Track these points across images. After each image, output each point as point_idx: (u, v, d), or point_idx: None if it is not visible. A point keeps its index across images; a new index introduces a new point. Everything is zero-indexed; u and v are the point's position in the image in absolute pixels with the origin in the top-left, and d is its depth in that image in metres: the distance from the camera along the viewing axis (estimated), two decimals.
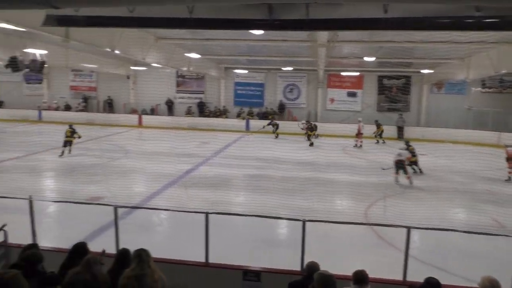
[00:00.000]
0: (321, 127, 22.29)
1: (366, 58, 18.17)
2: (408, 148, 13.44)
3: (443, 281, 3.86)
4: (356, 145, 19.81)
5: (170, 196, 10.07)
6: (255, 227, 8.11)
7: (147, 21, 6.18)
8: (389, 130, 22.29)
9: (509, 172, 13.44)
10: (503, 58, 14.91)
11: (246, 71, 26.42)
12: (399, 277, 4.94)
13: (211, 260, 5.32)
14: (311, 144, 18.77)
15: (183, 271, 5.23)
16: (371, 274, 3.87)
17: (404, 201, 10.37)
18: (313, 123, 21.67)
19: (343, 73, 25.02)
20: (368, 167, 14.62)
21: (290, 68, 24.69)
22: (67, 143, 15.46)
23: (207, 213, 5.29)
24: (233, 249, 7.09)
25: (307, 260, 4.44)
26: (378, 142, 21.46)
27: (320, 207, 9.01)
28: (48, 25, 6.94)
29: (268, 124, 22.35)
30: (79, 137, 15.77)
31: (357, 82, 26.03)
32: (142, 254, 3.77)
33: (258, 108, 26.75)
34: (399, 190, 11.66)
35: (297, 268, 4.91)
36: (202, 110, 27.19)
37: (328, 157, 14.68)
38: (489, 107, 23.20)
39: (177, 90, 28.04)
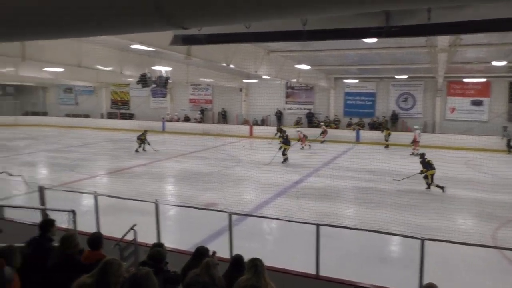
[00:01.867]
0: (441, 138, 20.59)
1: (494, 63, 16.36)
2: None
3: None
4: (412, 153, 18.65)
5: (279, 205, 10.23)
6: (367, 242, 7.79)
7: (263, 35, 6.42)
8: None
9: None
10: None
11: (356, 81, 25.79)
12: None
13: (321, 272, 5.25)
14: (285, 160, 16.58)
15: (292, 281, 5.24)
16: None
17: None
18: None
19: (466, 80, 22.84)
20: (496, 183, 13.05)
21: (404, 76, 23.36)
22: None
23: (318, 225, 5.25)
24: (343, 263, 6.92)
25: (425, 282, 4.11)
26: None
27: (439, 225, 8.31)
28: (175, 44, 7.65)
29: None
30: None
31: (483, 89, 23.51)
32: (258, 264, 3.77)
33: (370, 119, 25.82)
34: None
35: None
36: (311, 120, 27.22)
37: (447, 170, 13.50)
38: None
39: (287, 101, 28.56)
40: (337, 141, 23.54)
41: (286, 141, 16.95)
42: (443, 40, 12.38)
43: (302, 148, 20.09)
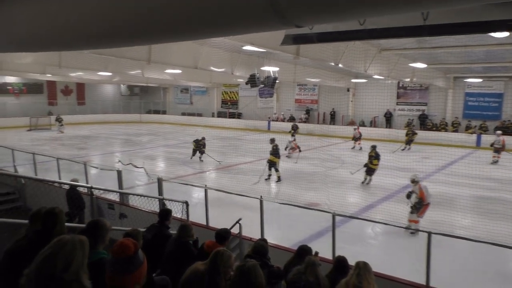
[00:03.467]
0: None
1: None
2: None
3: None
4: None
5: (386, 209, 9.75)
6: (485, 257, 7.02)
7: (379, 32, 6.13)
8: None
9: None
10: None
11: (480, 80, 23.30)
12: None
13: (432, 284, 4.88)
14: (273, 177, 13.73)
15: None
16: None
17: None
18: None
19: None
20: None
21: None
22: None
23: (430, 233, 4.90)
24: (459, 277, 6.34)
25: None
26: None
27: None
28: (286, 44, 7.76)
29: None
30: None
31: None
32: (361, 266, 3.72)
33: (497, 122, 23.14)
34: None
35: None
36: (424, 122, 25.41)
37: None
38: None
39: (397, 102, 27.10)
40: (454, 145, 21.59)
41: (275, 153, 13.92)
42: None
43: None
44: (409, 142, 20.31)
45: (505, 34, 9.72)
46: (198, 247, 4.46)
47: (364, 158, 13.72)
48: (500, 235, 7.07)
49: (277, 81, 16.32)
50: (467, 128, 23.48)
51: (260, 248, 4.28)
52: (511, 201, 10.88)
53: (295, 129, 23.89)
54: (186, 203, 7.26)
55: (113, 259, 2.13)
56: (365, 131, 25.80)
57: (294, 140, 18.43)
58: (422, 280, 4.99)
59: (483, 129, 22.95)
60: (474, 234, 7.25)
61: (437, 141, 21.97)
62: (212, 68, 17.23)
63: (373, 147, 13.27)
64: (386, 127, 26.29)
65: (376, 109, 26.29)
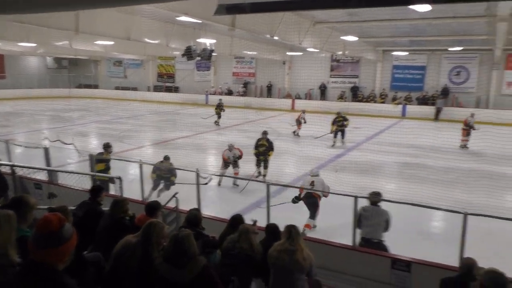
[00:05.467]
0: (495, 114, 19.55)
1: None
2: None
3: None
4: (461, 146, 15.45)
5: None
6: (408, 217, 7.66)
7: (309, 3, 6.21)
8: None
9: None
10: None
11: (406, 53, 24.67)
12: None
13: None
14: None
15: (330, 252, 5.30)
16: None
17: None
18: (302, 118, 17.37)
19: None
20: None
21: (458, 48, 22.07)
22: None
23: (356, 197, 5.23)
24: (385, 237, 6.87)
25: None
26: None
27: (486, 202, 7.98)
28: (219, 14, 7.61)
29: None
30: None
31: None
32: (292, 230, 3.92)
33: (420, 93, 24.75)
34: None
35: (453, 264, 4.48)
36: (356, 94, 26.58)
37: (499, 148, 12.83)
38: None
39: (331, 75, 27.96)
40: (382, 115, 22.90)
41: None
42: (504, 8, 11.55)
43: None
44: (337, 132, 15.36)
45: (427, 7, 10.35)
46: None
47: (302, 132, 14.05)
48: (423, 197, 7.74)
49: (213, 53, 16.10)
50: (394, 99, 24.93)
51: (193, 218, 4.32)
52: (431, 166, 11.85)
53: (221, 108, 20.48)
54: (120, 178, 7.08)
55: (36, 233, 2.07)
56: (301, 103, 26.49)
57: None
58: (349, 241, 5.36)
59: (408, 100, 24.50)
60: (398, 197, 7.83)
61: (367, 112, 23.17)
62: (146, 39, 16.58)
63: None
64: (321, 99, 27.12)
65: (311, 82, 26.98)
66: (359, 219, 5.50)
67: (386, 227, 5.66)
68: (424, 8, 10.42)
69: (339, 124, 14.75)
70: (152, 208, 4.21)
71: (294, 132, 17.37)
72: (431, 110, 22.98)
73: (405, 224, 7.50)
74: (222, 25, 12.02)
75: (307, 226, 7.14)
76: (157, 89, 34.41)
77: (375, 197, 5.71)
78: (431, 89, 24.34)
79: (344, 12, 13.67)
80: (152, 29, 15.43)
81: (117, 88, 35.71)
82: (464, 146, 14.88)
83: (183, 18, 11.41)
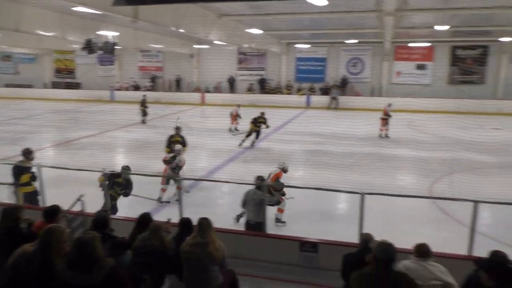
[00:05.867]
0: (387, 101, 21.56)
1: (437, 27, 17.00)
2: None
3: None
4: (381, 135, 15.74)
5: (230, 170, 10.39)
6: (313, 201, 8.18)
7: None
8: (464, 104, 20.71)
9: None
10: None
11: (308, 46, 25.96)
12: (465, 252, 4.79)
13: (269, 230, 5.49)
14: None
15: (243, 241, 5.45)
16: (434, 249, 3.77)
17: (473, 177, 9.81)
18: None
19: (411, 45, 23.66)
20: (435, 142, 13.93)
21: (354, 41, 23.82)
22: None
23: (267, 186, 5.43)
24: (291, 221, 7.24)
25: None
26: None
27: (381, 182, 8.82)
28: (118, 4, 7.28)
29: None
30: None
31: (427, 54, 24.52)
32: (202, 223, 3.97)
33: (322, 84, 26.23)
34: (468, 166, 11.01)
35: (355, 241, 4.91)
36: (263, 86, 27.32)
37: (392, 132, 14.19)
38: None
39: (239, 68, 28.35)
40: (288, 106, 23.87)
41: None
42: (390, 4, 12.70)
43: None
44: (252, 132, 14.04)
45: (324, 2, 10.94)
46: None
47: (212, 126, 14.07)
48: (327, 182, 8.27)
49: (117, 47, 15.34)
50: (299, 90, 26.13)
51: (100, 220, 4.16)
52: (334, 152, 12.69)
53: (145, 105, 19.44)
54: (14, 184, 6.48)
55: None
56: (210, 97, 26.51)
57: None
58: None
59: (312, 91, 25.85)
60: (306, 182, 8.29)
61: (275, 103, 23.99)
62: (38, 31, 15.18)
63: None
64: (230, 92, 27.40)
65: (220, 75, 27.08)
66: (244, 204, 6.02)
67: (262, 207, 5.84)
68: (321, 2, 11.02)
69: (258, 125, 14.01)
70: (51, 213, 3.96)
71: (230, 129, 16.67)
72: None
73: (311, 208, 8.00)
74: (124, 16, 11.49)
75: (280, 210, 7.29)
76: (55, 85, 31.76)
77: (257, 181, 6.16)
78: (332, 80, 25.95)
79: (247, 5, 13.93)
80: (45, 20, 14.19)
81: (7, 85, 32.23)
82: (385, 136, 15.13)
83: (80, 9, 10.68)
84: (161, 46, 23.11)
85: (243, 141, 13.70)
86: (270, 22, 17.71)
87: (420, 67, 24.68)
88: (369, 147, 12.50)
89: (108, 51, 14.83)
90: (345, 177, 9.00)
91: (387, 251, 3.10)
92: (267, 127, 14.07)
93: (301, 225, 6.99)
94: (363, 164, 10.67)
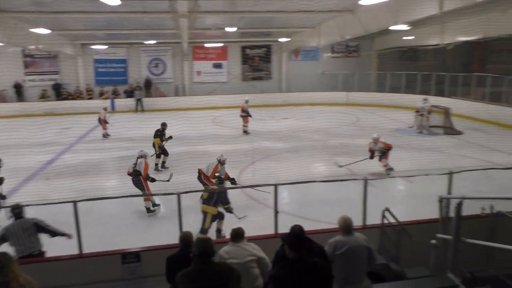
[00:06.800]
0: (190, 100, 22.44)
1: (227, 29, 18.52)
2: None
3: (309, 228, 4.33)
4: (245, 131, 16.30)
5: (31, 191, 9.16)
6: (132, 209, 7.97)
7: None
8: (257, 98, 23.12)
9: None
10: (347, 25, 16.67)
11: (105, 47, 24.64)
12: (273, 232, 5.44)
13: (87, 250, 5.10)
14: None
15: (56, 268, 4.93)
16: (249, 234, 4.20)
17: (272, 163, 11.20)
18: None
19: (207, 45, 25.13)
20: (238, 135, 15.27)
21: (153, 42, 23.81)
22: None
23: (74, 202, 5.00)
24: (111, 235, 6.90)
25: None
26: None
27: (194, 179, 9.19)
28: None
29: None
30: None
31: (222, 53, 26.46)
32: (1, 259, 3.43)
33: (127, 86, 25.29)
34: (267, 154, 12.46)
35: (176, 241, 5.00)
36: (60, 92, 24.70)
37: (198, 129, 14.85)
38: (338, 70, 25.94)
39: (26, 72, 24.76)
40: (92, 112, 22.27)
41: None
42: (182, 6, 13.16)
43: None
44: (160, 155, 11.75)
45: (117, 1, 10.62)
46: None
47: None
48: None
49: None
50: (101, 94, 24.65)
51: None
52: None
53: None
54: None
55: None
56: None
57: None
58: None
59: (115, 94, 24.75)
60: (121, 192, 7.96)
61: (76, 110, 22.06)
62: None
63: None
64: (18, 101, 23.76)
65: (2, 81, 23.14)
66: (2, 239, 4.97)
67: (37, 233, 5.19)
68: (114, 1, 10.65)
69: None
70: None
71: (103, 135, 15.73)
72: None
73: (129, 217, 7.78)
74: None
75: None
76: None
77: (15, 211, 5.11)
78: (135, 82, 25.37)
79: (30, 1, 12.39)
80: None
81: None
82: (245, 132, 15.88)
83: None
84: None
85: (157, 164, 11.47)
86: (59, 21, 16.14)
87: (217, 66, 26.48)
88: (180, 147, 12.75)
89: None
90: (160, 179, 9.02)
91: (204, 246, 3.32)
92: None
93: (123, 237, 6.73)
94: (176, 164, 10.87)
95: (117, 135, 14.88)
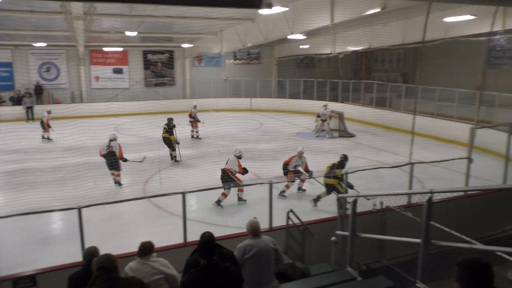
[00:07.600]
0: (88, 107, 21.14)
1: (127, 33, 17.84)
2: None
3: (219, 234, 4.40)
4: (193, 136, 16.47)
5: None
6: (25, 229, 7.26)
7: None
8: (161, 104, 22.60)
9: None
10: (248, 33, 17.20)
11: None
12: (182, 240, 5.39)
13: None
14: None
15: None
16: (157, 244, 4.10)
17: (179, 170, 11.08)
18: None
19: (105, 49, 23.87)
20: (142, 143, 14.75)
21: (43, 44, 21.85)
22: None
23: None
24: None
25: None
26: None
27: (97, 191, 8.73)
28: None
29: None
30: None
31: (122, 58, 25.33)
32: None
33: (13, 92, 22.78)
34: (172, 162, 12.27)
35: (77, 259, 4.71)
36: None
37: (99, 138, 14.04)
38: (241, 76, 26.58)
39: None
40: None
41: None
42: (77, 8, 12.41)
43: None
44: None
45: None
46: None
47: None
48: (37, 203, 7.45)
49: None
50: None
51: None
52: (39, 168, 11.49)
53: None
54: None
55: None
56: None
57: None
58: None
59: (1, 101, 22.25)
60: (10, 211, 7.18)
61: None
62: None
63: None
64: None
65: None
66: None
67: None
68: None
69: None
70: None
71: (43, 136, 16.25)
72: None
73: (23, 238, 7.08)
74: None
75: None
76: None
77: None
78: (23, 87, 23.05)
79: None
80: None
81: None
82: (196, 137, 16.10)
83: None
84: None
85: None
86: None
87: (117, 71, 25.26)
88: (79, 157, 11.87)
89: None
90: (58, 193, 8.38)
91: (105, 262, 3.14)
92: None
93: (16, 261, 6.08)
94: (75, 176, 10.15)
95: (4, 147, 13.34)
